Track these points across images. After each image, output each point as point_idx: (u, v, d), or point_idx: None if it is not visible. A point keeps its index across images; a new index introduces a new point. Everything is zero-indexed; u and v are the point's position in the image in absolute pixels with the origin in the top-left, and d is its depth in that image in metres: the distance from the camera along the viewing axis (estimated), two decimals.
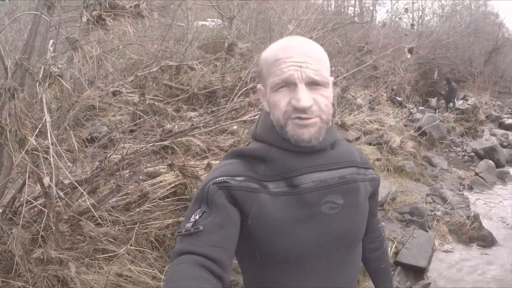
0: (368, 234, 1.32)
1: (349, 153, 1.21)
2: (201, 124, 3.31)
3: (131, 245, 3.16)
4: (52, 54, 1.89)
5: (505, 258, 4.96)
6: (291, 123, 1.05)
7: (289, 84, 1.04)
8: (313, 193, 1.08)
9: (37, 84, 1.72)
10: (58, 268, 2.53)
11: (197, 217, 0.99)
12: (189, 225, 0.97)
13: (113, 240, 3.20)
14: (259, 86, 1.18)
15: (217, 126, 3.23)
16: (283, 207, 1.06)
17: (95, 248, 3.05)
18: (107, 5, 2.08)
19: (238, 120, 3.20)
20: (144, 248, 3.33)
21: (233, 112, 3.60)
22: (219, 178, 1.05)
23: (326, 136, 1.11)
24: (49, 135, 1.86)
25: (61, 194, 2.29)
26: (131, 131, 3.70)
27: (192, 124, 3.37)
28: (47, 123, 1.86)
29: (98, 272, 2.86)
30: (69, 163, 2.33)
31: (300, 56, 1.04)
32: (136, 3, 2.21)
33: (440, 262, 4.80)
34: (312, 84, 1.04)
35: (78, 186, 2.34)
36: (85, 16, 1.99)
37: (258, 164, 1.10)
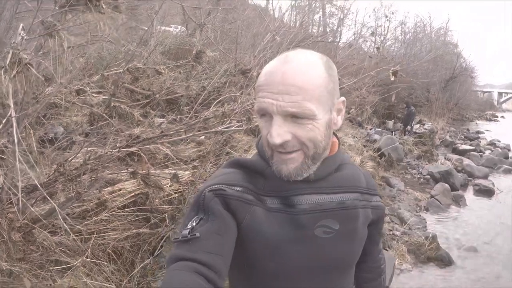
0: (366, 262, 1.29)
1: (353, 178, 1.16)
2: (172, 132, 3.14)
3: (87, 257, 2.95)
4: (26, 37, 1.68)
5: (462, 278, 5.12)
6: (275, 156, 1.01)
7: (267, 114, 0.98)
8: (307, 215, 1.05)
9: (3, 71, 1.50)
10: (8, 280, 2.27)
11: (194, 224, 0.98)
12: (186, 231, 0.96)
13: (67, 251, 2.97)
14: None
15: (190, 135, 3.06)
16: (276, 224, 1.03)
17: (48, 259, 2.80)
18: None
19: (212, 130, 3.05)
20: (101, 261, 3.11)
21: (204, 122, 3.46)
22: (216, 186, 1.03)
23: (325, 165, 1.07)
24: (14, 131, 1.63)
25: (18, 198, 2.05)
26: (96, 134, 3.47)
27: (162, 131, 3.20)
28: (13, 118, 1.64)
29: (51, 285, 2.61)
30: (26, 166, 2.10)
31: (278, 85, 0.94)
32: None
33: (400, 282, 4.86)
34: (292, 116, 0.95)
35: (41, 188, 2.09)
36: None
37: (257, 177, 1.08)
